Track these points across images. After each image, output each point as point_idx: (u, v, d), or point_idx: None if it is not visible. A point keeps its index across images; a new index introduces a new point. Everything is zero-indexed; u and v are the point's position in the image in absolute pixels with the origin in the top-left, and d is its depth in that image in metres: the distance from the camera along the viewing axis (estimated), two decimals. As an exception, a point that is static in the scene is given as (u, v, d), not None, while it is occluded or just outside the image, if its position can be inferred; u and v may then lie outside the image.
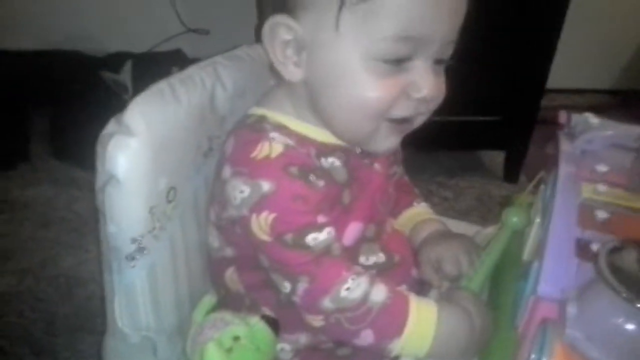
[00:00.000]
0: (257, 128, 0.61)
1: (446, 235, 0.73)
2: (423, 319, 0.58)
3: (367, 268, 0.65)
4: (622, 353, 0.42)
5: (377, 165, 0.67)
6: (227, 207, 0.60)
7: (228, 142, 0.62)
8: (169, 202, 0.61)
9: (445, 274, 0.69)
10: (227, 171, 0.60)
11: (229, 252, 0.65)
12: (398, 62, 0.55)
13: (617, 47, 2.26)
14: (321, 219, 0.58)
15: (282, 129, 0.60)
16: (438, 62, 0.58)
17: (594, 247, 0.50)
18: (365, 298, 0.57)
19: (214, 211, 0.65)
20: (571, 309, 0.45)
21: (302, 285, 0.57)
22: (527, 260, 0.62)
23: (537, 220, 0.64)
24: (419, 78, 0.56)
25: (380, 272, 0.65)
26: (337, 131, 0.62)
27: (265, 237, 0.57)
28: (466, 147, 1.74)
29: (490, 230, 0.77)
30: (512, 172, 1.68)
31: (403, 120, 0.59)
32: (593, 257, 0.45)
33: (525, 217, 0.69)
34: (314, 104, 0.60)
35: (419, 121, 0.61)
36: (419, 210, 0.78)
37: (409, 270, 0.70)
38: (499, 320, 0.61)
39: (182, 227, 0.65)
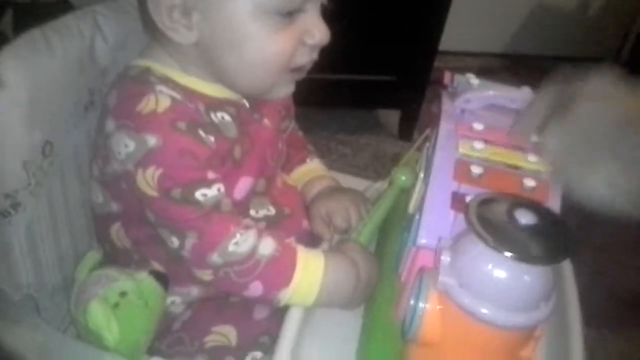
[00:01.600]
0: (142, 80, 0.58)
1: (337, 191, 0.75)
2: (310, 269, 0.59)
3: (257, 221, 0.65)
4: (492, 298, 0.45)
5: (266, 121, 0.67)
6: (110, 161, 0.58)
7: (111, 95, 0.60)
8: (45, 157, 0.58)
9: (335, 227, 0.71)
10: (110, 124, 0.57)
11: (114, 207, 0.63)
12: (290, 15, 0.57)
13: (509, 11, 2.35)
14: (211, 175, 0.57)
15: (168, 82, 0.59)
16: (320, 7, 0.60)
17: (469, 200, 0.53)
18: (253, 251, 0.57)
19: (97, 166, 0.62)
20: (444, 258, 0.48)
21: (190, 241, 0.57)
22: (412, 212, 0.64)
23: (421, 175, 0.66)
24: (312, 25, 0.59)
25: (270, 225, 0.66)
26: (239, 87, 0.62)
27: (152, 193, 0.56)
28: (364, 105, 1.77)
29: (379, 185, 0.79)
30: (406, 130, 1.73)
31: (300, 68, 0.62)
32: (466, 209, 0.48)
33: (412, 175, 0.71)
34: (210, 63, 0.60)
35: (309, 66, 0.63)
36: (312, 167, 0.79)
37: (299, 222, 0.71)
38: (384, 269, 0.63)
39: (62, 183, 0.63)
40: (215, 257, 0.57)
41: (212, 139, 0.58)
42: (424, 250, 0.54)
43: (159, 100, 0.56)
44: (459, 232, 0.50)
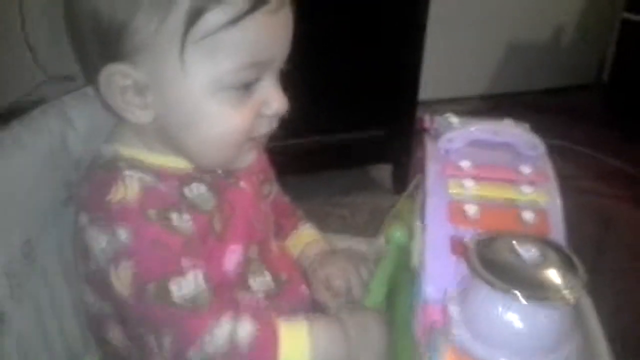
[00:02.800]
0: (110, 167, 0.57)
1: (333, 254, 0.73)
2: (295, 342, 0.56)
3: (255, 292, 0.63)
4: (507, 346, 0.42)
5: (242, 183, 0.65)
6: (90, 258, 0.56)
7: (82, 187, 0.58)
8: (25, 257, 0.56)
9: (335, 291, 0.69)
10: (83, 219, 0.56)
11: (107, 308, 0.60)
12: (247, 87, 0.56)
13: (485, 52, 2.38)
14: (185, 262, 0.55)
15: (137, 164, 0.57)
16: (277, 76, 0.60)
17: (468, 242, 0.50)
18: (231, 339, 0.54)
19: (81, 264, 0.60)
20: (453, 309, 0.45)
21: (168, 339, 0.54)
22: (416, 265, 0.61)
23: (419, 224, 0.64)
24: (269, 96, 0.58)
25: (269, 296, 0.64)
26: (199, 163, 0.60)
27: (126, 291, 0.54)
28: (355, 164, 1.76)
29: (380, 241, 0.77)
30: (400, 183, 1.72)
31: (261, 137, 0.61)
32: (466, 253, 0.45)
33: (405, 230, 0.70)
34: (170, 140, 0.58)
35: (269, 134, 0.62)
36: (306, 232, 0.77)
37: (298, 288, 0.69)
38: (399, 329, 0.60)
39: (46, 285, 0.60)
40: (194, 354, 0.54)
41: (187, 219, 0.56)
42: (432, 304, 0.50)
43: (128, 187, 0.55)
44: (463, 278, 0.47)
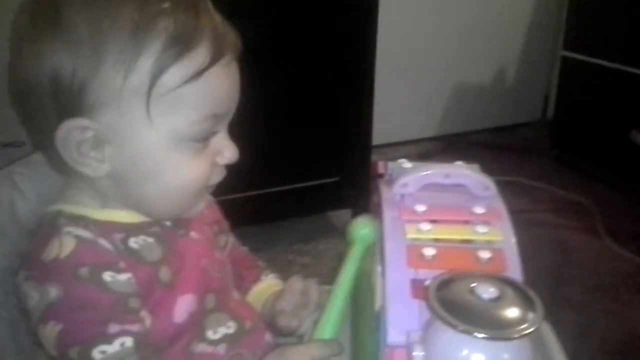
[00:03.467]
0: (51, 225, 0.56)
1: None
2: None
3: (215, 344, 0.62)
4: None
5: (193, 234, 0.65)
6: (29, 317, 0.55)
7: (28, 248, 0.57)
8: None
9: (293, 301, 0.70)
10: (20, 276, 0.55)
11: None
12: (206, 139, 0.58)
13: (432, 95, 2.45)
14: (113, 328, 0.53)
15: (79, 221, 0.56)
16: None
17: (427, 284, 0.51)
18: None
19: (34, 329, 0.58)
20: (417, 354, 0.45)
21: None
22: (378, 309, 0.61)
23: (379, 268, 0.64)
24: (222, 146, 0.60)
25: (231, 344, 0.62)
26: (155, 214, 0.61)
27: (53, 352, 0.53)
28: (314, 211, 1.77)
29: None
30: (360, 228, 1.73)
31: (212, 185, 0.63)
32: (426, 296, 0.45)
33: (372, 226, 0.66)
34: (126, 193, 0.58)
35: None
36: (269, 283, 0.76)
37: (262, 336, 0.67)
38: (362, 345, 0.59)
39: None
40: None
41: (124, 277, 0.55)
42: (397, 349, 0.50)
43: (63, 244, 0.54)
44: (426, 321, 0.47)
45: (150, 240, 0.59)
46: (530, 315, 0.42)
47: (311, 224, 1.81)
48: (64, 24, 0.53)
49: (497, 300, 0.43)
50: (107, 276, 0.54)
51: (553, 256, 1.62)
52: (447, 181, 0.62)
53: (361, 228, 0.67)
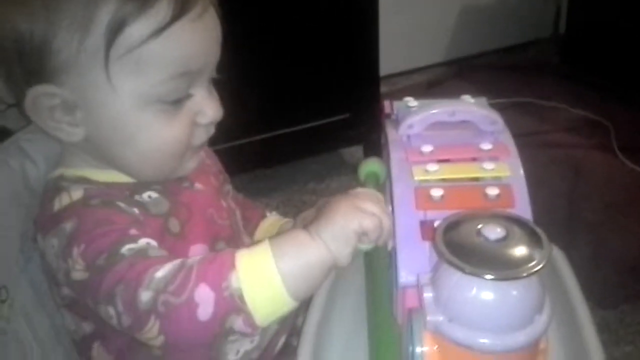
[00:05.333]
0: (55, 188, 0.57)
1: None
2: (254, 248, 0.51)
3: None
4: (484, 326, 0.43)
5: (198, 185, 0.65)
6: (57, 278, 0.55)
7: (36, 217, 0.58)
8: (3, 302, 0.56)
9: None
10: (40, 241, 0.56)
11: (87, 328, 0.60)
12: (179, 100, 0.56)
13: (439, 19, 2.38)
14: (134, 232, 0.53)
15: (82, 181, 0.57)
16: (209, 80, 0.59)
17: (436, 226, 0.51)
18: (181, 264, 0.50)
19: (56, 293, 0.60)
20: (427, 295, 0.46)
21: (119, 297, 0.49)
22: (390, 249, 0.62)
23: (390, 208, 0.65)
24: (202, 106, 0.57)
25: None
26: (139, 177, 0.60)
27: (83, 275, 0.51)
28: (326, 149, 1.77)
29: None
30: (372, 164, 1.74)
31: (200, 145, 0.61)
32: (433, 239, 0.46)
33: (383, 167, 0.66)
34: (106, 157, 0.58)
35: (207, 140, 0.62)
36: (275, 218, 0.78)
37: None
38: (381, 315, 0.60)
39: (28, 323, 0.60)
40: (144, 293, 0.48)
41: (136, 210, 0.56)
42: (409, 290, 0.51)
43: (72, 193, 0.55)
44: (435, 262, 0.48)
45: (155, 195, 0.59)
46: (537, 253, 0.42)
47: (324, 163, 1.81)
48: None
49: (504, 240, 0.43)
50: (121, 204, 0.55)
51: (566, 176, 1.61)
52: (453, 119, 0.61)
53: (371, 168, 0.67)
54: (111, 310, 0.50)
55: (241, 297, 0.48)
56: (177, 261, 0.50)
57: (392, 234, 0.55)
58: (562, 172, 1.62)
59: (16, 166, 0.60)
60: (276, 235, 0.58)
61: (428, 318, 0.44)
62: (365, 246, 0.54)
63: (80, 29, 0.51)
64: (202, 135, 0.60)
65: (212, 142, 0.64)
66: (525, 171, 0.57)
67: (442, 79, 2.22)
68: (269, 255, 0.49)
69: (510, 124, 0.63)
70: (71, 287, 0.55)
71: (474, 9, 2.41)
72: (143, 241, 0.52)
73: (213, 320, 0.48)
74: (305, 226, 0.53)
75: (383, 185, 0.66)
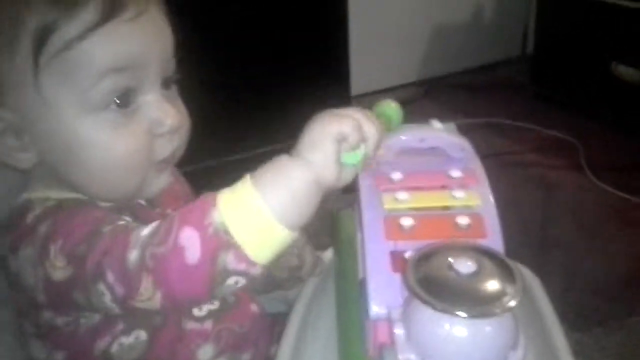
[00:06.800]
0: (25, 208, 0.55)
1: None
2: (235, 185, 0.49)
3: (202, 320, 0.60)
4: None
5: (169, 212, 0.62)
6: (36, 299, 0.53)
7: (4, 244, 0.55)
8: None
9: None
10: (12, 262, 0.53)
11: (59, 356, 0.57)
12: (123, 103, 0.52)
13: (410, 39, 2.40)
14: (112, 218, 0.52)
15: (51, 202, 0.55)
16: (165, 85, 0.56)
17: (407, 257, 0.50)
18: (163, 219, 0.49)
19: (28, 322, 0.58)
20: (398, 332, 0.44)
21: (108, 269, 0.48)
22: (360, 279, 0.61)
23: (359, 236, 0.63)
24: (156, 111, 0.54)
25: (217, 320, 0.61)
26: (101, 197, 0.57)
27: (66, 273, 0.49)
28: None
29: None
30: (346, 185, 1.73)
31: (167, 159, 0.57)
32: (404, 273, 0.45)
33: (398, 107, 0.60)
34: (65, 180, 0.56)
35: (180, 152, 0.59)
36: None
37: (247, 307, 0.66)
38: (351, 348, 0.59)
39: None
40: (131, 254, 0.47)
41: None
42: (380, 323, 0.50)
43: (45, 204, 0.54)
44: (406, 296, 0.46)
45: (128, 219, 0.56)
46: (510, 287, 0.41)
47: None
48: None
49: (476, 274, 0.42)
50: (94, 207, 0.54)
51: (537, 196, 1.62)
52: (422, 145, 0.60)
53: (383, 110, 0.60)
54: (102, 287, 0.49)
55: (226, 231, 0.46)
56: (160, 221, 0.49)
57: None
58: (533, 192, 1.63)
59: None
60: None
61: (400, 357, 0.43)
62: (351, 159, 0.50)
63: (8, 46, 0.50)
64: (165, 147, 0.56)
65: (182, 163, 0.61)
66: (496, 192, 0.56)
67: (412, 99, 2.23)
68: (249, 183, 0.47)
69: (480, 144, 0.62)
70: (52, 292, 0.52)
71: (443, 29, 2.44)
72: (122, 221, 0.51)
73: (203, 262, 0.46)
74: None
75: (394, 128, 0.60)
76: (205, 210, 0.47)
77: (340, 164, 0.49)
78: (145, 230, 0.48)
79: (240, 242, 0.46)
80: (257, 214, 0.46)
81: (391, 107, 0.60)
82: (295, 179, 0.47)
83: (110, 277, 0.48)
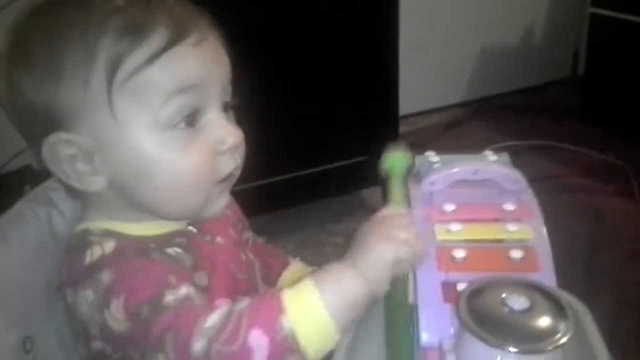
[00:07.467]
0: (82, 243, 0.57)
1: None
2: (298, 288, 0.52)
3: None
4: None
5: (219, 239, 0.65)
6: (89, 331, 0.55)
7: (62, 269, 0.58)
8: (27, 352, 0.56)
9: None
10: (69, 295, 0.56)
11: None
12: (189, 122, 0.56)
13: (458, 59, 2.40)
14: (173, 279, 0.54)
15: (109, 234, 0.57)
16: (225, 108, 0.59)
17: (460, 287, 0.51)
18: (230, 311, 0.51)
19: (81, 346, 0.60)
20: (451, 363, 0.46)
21: (170, 346, 0.50)
22: (412, 303, 0.62)
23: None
24: (218, 130, 0.57)
25: None
26: (169, 214, 0.60)
27: (125, 327, 0.52)
28: (345, 191, 1.77)
29: None
30: (391, 204, 1.73)
31: (229, 177, 0.60)
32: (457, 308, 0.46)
33: (410, 153, 0.65)
34: (132, 200, 0.58)
35: (238, 172, 0.62)
36: (299, 265, 0.78)
37: None
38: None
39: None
40: (198, 343, 0.49)
41: (165, 259, 0.57)
42: (430, 352, 0.51)
43: (104, 245, 0.55)
44: (458, 328, 0.48)
45: (180, 250, 0.60)
46: (561, 324, 0.42)
47: (342, 203, 1.81)
48: (24, 51, 0.55)
49: (528, 310, 0.43)
50: (153, 255, 0.56)
51: (586, 222, 1.59)
52: (475, 177, 0.61)
53: (394, 161, 0.67)
54: (161, 357, 0.51)
55: (294, 338, 0.49)
56: (224, 309, 0.52)
57: (423, 257, 0.54)
58: (582, 217, 1.60)
59: (43, 216, 0.61)
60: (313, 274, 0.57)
61: (452, 388, 0.44)
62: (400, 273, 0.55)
63: (82, 77, 0.53)
64: (227, 164, 0.59)
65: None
66: (543, 216, 0.57)
67: (460, 120, 2.23)
68: (315, 293, 0.51)
69: (528, 167, 0.63)
70: (106, 339, 0.55)
71: (492, 50, 2.43)
72: (183, 290, 0.53)
73: (265, 352, 0.49)
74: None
75: (407, 178, 0.65)
76: (273, 314, 0.50)
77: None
78: (211, 321, 0.50)
79: (305, 348, 0.50)
80: (322, 324, 0.50)
81: (400, 157, 0.65)
82: (353, 294, 0.52)
83: (171, 354, 0.51)
